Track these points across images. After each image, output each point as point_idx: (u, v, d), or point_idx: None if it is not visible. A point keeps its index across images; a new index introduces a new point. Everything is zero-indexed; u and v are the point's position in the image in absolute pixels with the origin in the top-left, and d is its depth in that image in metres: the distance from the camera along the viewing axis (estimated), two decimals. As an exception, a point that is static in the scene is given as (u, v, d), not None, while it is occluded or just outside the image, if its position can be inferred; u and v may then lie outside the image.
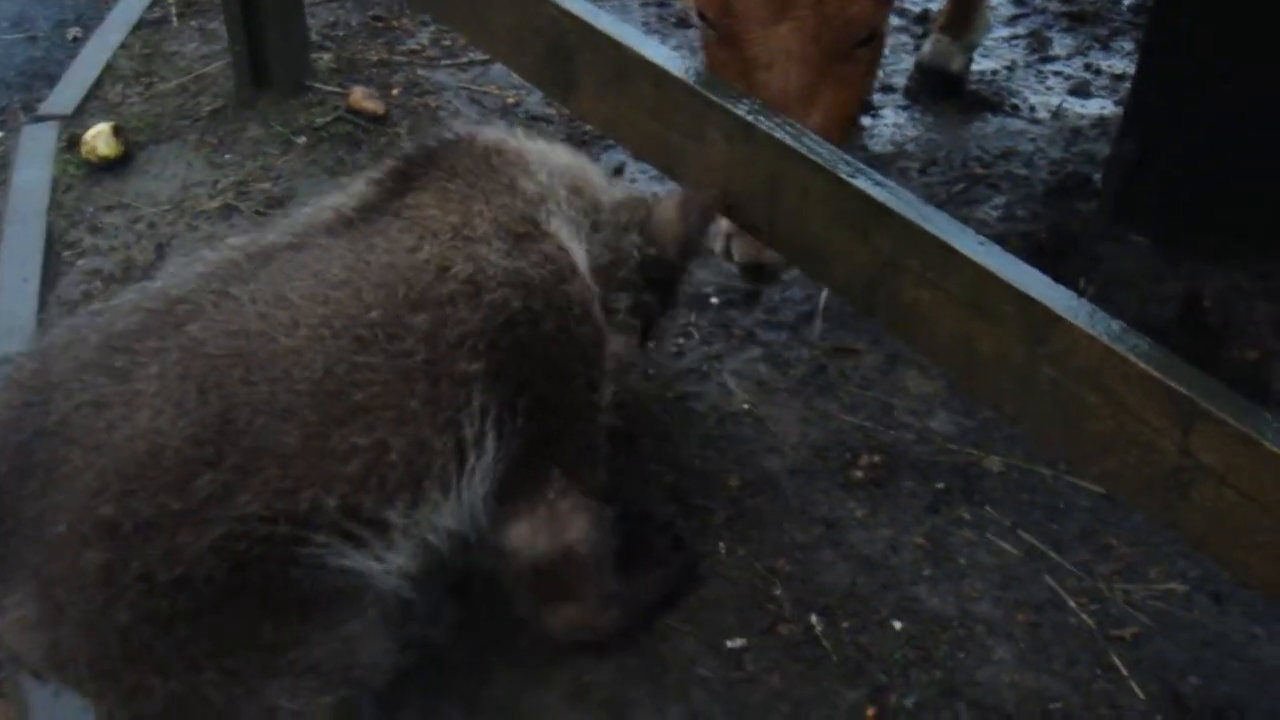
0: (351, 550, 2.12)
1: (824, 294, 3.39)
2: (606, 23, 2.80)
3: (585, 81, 2.90)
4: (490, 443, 2.26)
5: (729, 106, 2.52)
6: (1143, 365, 1.94)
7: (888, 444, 3.10)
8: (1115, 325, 2.01)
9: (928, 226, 2.23)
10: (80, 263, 3.72)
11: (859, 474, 3.02)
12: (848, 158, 2.38)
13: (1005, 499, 2.98)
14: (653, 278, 2.63)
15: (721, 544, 2.84)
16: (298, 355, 2.09)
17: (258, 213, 3.86)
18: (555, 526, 2.43)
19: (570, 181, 2.53)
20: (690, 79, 2.59)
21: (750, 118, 2.49)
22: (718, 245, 2.91)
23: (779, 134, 2.44)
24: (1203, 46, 3.30)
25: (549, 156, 2.57)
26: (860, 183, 2.32)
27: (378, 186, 2.41)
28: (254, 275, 2.17)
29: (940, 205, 3.64)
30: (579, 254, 2.45)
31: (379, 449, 2.11)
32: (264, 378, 2.06)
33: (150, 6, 5.03)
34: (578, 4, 2.86)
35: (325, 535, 2.07)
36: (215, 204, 3.91)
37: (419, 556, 2.22)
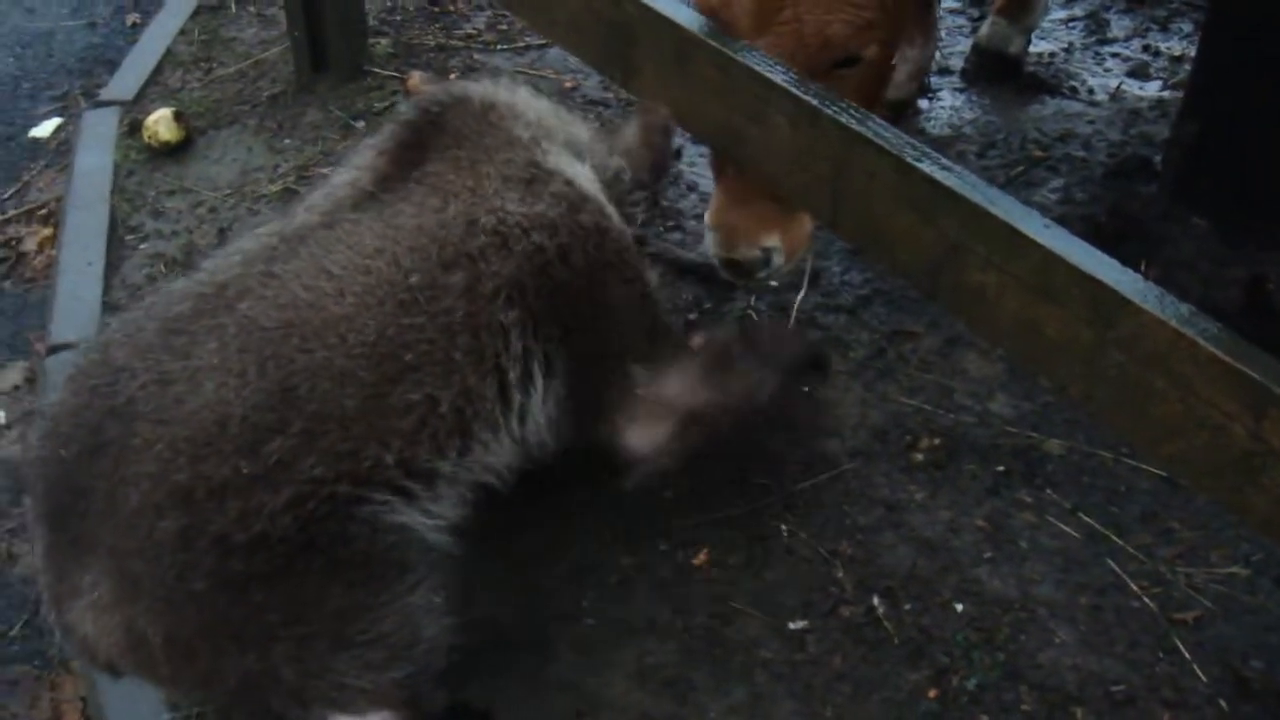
0: (404, 505, 2.21)
1: (808, 263, 3.43)
2: (668, 6, 2.81)
3: (646, 66, 2.92)
4: (538, 381, 2.39)
5: (793, 90, 2.53)
6: (1213, 350, 1.94)
7: (948, 427, 3.10)
8: (1185, 309, 2.00)
9: (993, 210, 2.23)
10: (143, 247, 3.78)
11: (919, 457, 3.02)
12: (914, 142, 2.38)
13: (1066, 482, 2.98)
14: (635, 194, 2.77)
15: (783, 526, 2.86)
16: (350, 320, 2.18)
17: (318, 197, 3.90)
18: (666, 408, 2.54)
19: (554, 120, 2.66)
20: (753, 62, 2.61)
21: (815, 101, 2.49)
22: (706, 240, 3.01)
23: (844, 118, 2.44)
24: (1264, 28, 3.26)
25: (532, 103, 2.68)
26: (926, 167, 2.32)
27: (390, 157, 2.50)
28: (293, 255, 2.26)
29: (999, 189, 3.67)
30: (582, 177, 2.55)
31: (430, 403, 2.21)
32: (320, 344, 2.15)
33: (209, -8, 5.08)
34: (636, -12, 2.88)
35: (382, 492, 2.16)
36: (276, 188, 3.95)
37: (464, 505, 2.32)
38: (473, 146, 2.47)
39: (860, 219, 2.51)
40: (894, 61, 3.16)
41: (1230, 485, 2.02)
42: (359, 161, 2.54)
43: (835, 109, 2.47)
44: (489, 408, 2.30)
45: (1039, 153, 4.06)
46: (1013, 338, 2.29)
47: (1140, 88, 4.45)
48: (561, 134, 2.62)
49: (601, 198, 2.55)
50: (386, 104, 4.29)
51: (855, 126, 2.44)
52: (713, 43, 2.68)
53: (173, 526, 2.01)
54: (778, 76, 2.56)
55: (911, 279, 2.49)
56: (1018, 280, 2.23)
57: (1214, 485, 2.06)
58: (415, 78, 4.35)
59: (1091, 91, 4.42)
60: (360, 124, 4.22)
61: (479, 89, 2.64)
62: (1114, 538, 2.84)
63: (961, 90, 4.45)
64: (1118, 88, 4.42)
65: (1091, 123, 4.22)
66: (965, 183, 2.29)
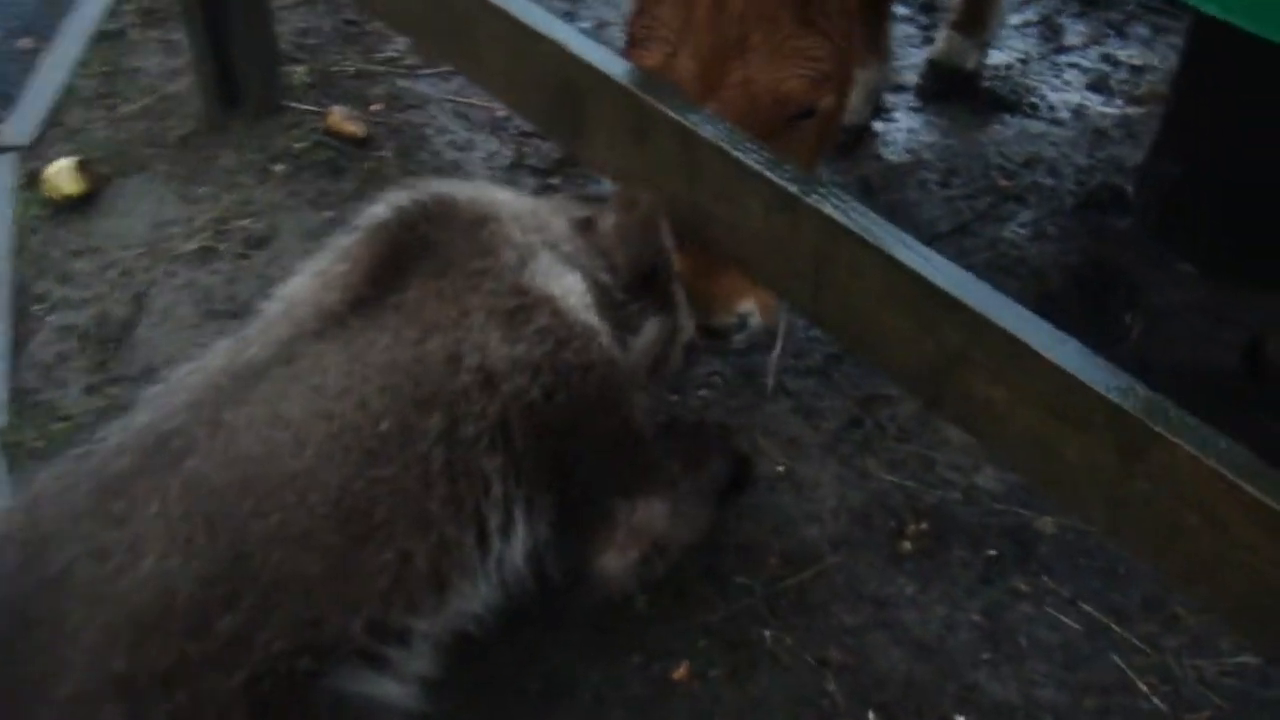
0: (373, 673, 2.01)
1: (782, 320, 3.18)
2: (621, 71, 2.55)
3: (598, 133, 2.66)
4: (519, 525, 2.18)
5: (767, 174, 2.29)
6: (1252, 490, 1.74)
7: (933, 506, 2.90)
8: (1222, 443, 1.81)
9: (1000, 320, 2.01)
10: (51, 318, 3.45)
11: (907, 545, 2.82)
12: (906, 237, 2.16)
13: (1062, 565, 2.80)
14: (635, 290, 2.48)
15: (767, 631, 2.64)
16: (310, 476, 1.94)
17: (239, 255, 3.60)
18: (639, 537, 2.35)
19: (537, 225, 2.37)
20: (723, 140, 2.36)
21: (793, 187, 2.26)
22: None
23: (826, 206, 2.21)
24: (1254, 50, 3.06)
25: (514, 206, 2.40)
26: (920, 266, 2.10)
27: (364, 272, 2.21)
28: (245, 397, 2.00)
29: (966, 225, 3.47)
30: (573, 295, 2.28)
31: (402, 560, 1.99)
32: (276, 506, 1.90)
33: (107, 17, 4.71)
34: (588, 45, 2.61)
35: (349, 662, 1.95)
36: (192, 245, 3.64)
37: (438, 655, 2.14)
38: (459, 272, 2.20)
39: (846, 317, 2.29)
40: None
41: (1264, 623, 1.84)
42: (325, 269, 2.26)
43: (816, 195, 2.24)
44: (468, 556, 2.09)
45: (1004, 181, 3.87)
46: (1027, 458, 2.09)
47: (1103, 103, 4.26)
48: (548, 241, 2.35)
49: (592, 317, 2.29)
50: (307, 144, 3.98)
51: (838, 217, 2.21)
52: (675, 116, 2.43)
53: (114, 717, 1.78)
54: (749, 158, 2.32)
55: (907, 385, 2.28)
56: (1032, 398, 2.02)
57: (1246, 622, 1.88)
58: (336, 114, 4.09)
59: (1053, 108, 4.23)
60: (279, 168, 3.92)
61: (466, 197, 2.36)
62: (1116, 628, 2.67)
63: (917, 110, 4.24)
64: (1079, 104, 4.23)
65: (1055, 144, 4.03)
66: (966, 286, 2.07)
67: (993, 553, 2.82)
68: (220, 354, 2.11)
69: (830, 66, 2.67)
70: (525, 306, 2.19)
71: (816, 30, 2.62)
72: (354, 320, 2.11)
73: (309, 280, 2.25)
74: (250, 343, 2.11)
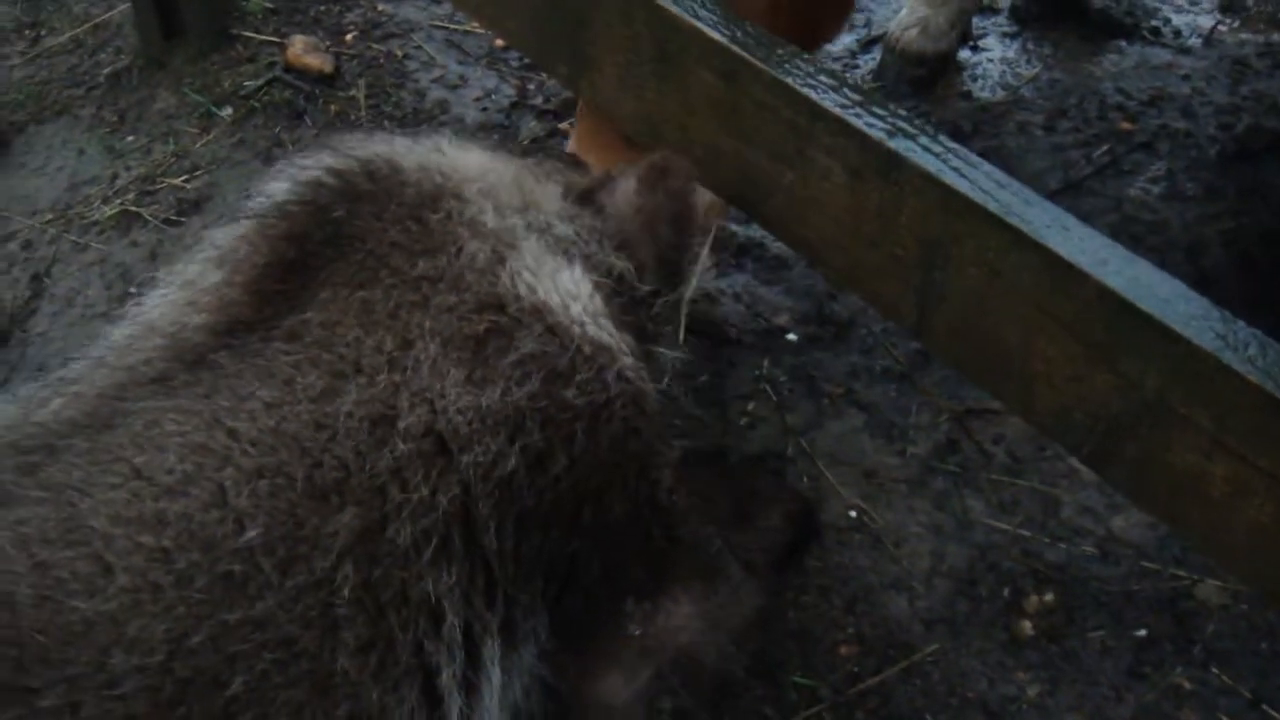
0: None
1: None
2: (638, -26, 1.80)
3: (606, 62, 1.91)
4: (492, 669, 1.42)
5: (854, 122, 1.54)
6: None
7: (1059, 566, 2.16)
8: None
9: (1233, 362, 1.27)
10: (-70, 304, 2.76)
11: (1026, 624, 2.08)
12: (1080, 226, 1.41)
13: (1235, 651, 2.06)
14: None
15: (838, 754, 1.92)
16: (115, 629, 1.19)
17: (166, 221, 2.88)
18: (654, 652, 1.62)
19: (520, 201, 1.64)
20: (785, 75, 1.61)
21: (893, 143, 1.51)
22: None
23: (948, 174, 1.46)
24: None
25: (486, 174, 1.65)
26: (1096, 269, 1.36)
27: (246, 279, 1.48)
28: (23, 492, 1.27)
29: (1080, 181, 2.70)
30: (573, 302, 1.54)
31: None
32: (55, 678, 1.16)
33: (40, -71, 3.97)
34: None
35: None
36: (111, 211, 2.92)
37: None
38: (396, 278, 1.46)
39: (969, 333, 1.55)
40: None
41: None
42: (194, 278, 1.53)
43: (928, 150, 1.49)
44: None
45: (1126, 124, 3.09)
46: (1259, 564, 1.35)
47: (1240, 25, 3.46)
48: (534, 224, 1.60)
49: (605, 331, 1.54)
50: (261, 82, 3.23)
51: (964, 189, 1.46)
52: (716, 37, 1.68)
53: None
54: (828, 98, 1.57)
55: (1058, 434, 1.53)
56: (1274, 480, 1.27)
57: None
58: (298, 44, 3.34)
59: (1179, 34, 3.43)
60: (225, 111, 3.18)
61: (414, 162, 1.61)
62: (1320, 745, 1.93)
63: (1013, 36, 3.45)
64: (1213, 29, 3.42)
65: (1187, 78, 3.24)
66: (1172, 304, 1.32)
67: (1142, 633, 2.08)
68: (3, 409, 1.38)
69: None
70: (501, 328, 1.45)
71: None
72: (224, 359, 1.38)
73: (174, 295, 1.51)
74: (57, 393, 1.37)
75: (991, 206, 1.44)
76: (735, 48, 1.66)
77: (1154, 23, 3.46)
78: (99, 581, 1.19)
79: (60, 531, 1.22)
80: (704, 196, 2.01)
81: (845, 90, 1.59)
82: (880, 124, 1.54)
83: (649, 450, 1.54)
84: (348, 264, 1.47)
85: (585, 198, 1.71)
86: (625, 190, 1.71)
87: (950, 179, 1.47)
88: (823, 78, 1.61)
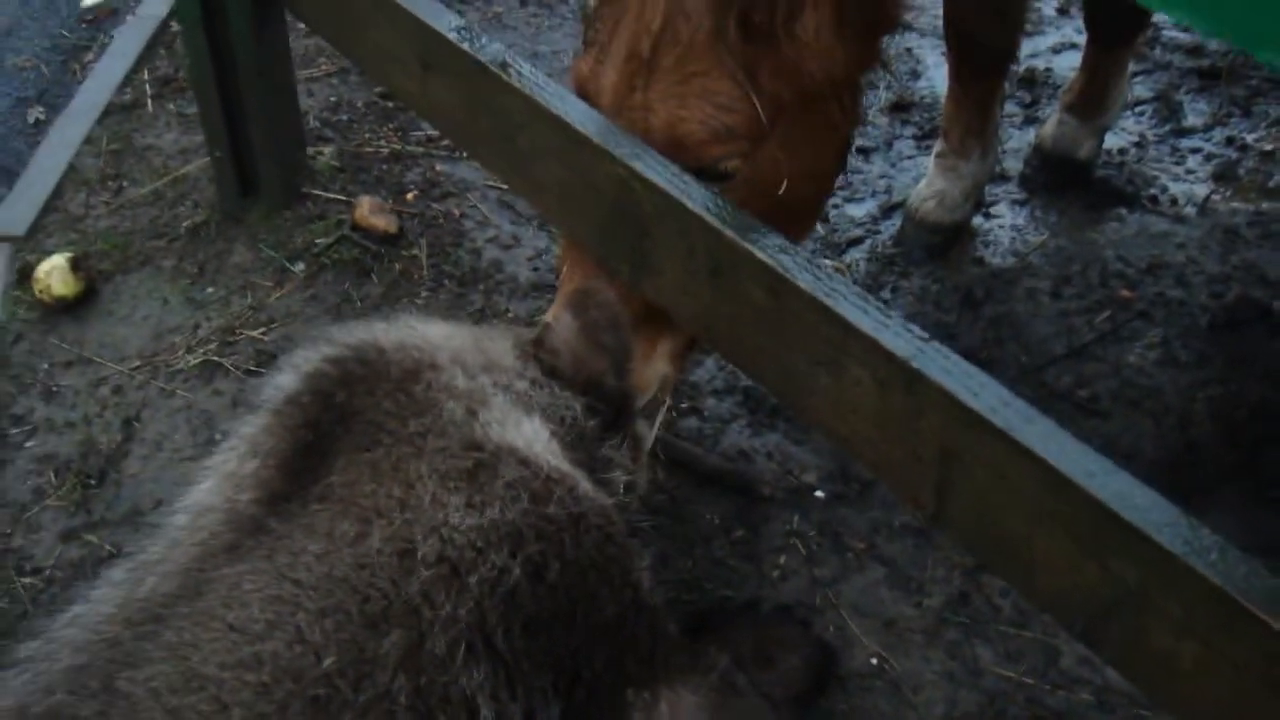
0: None
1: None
2: (699, 197, 2.08)
3: (667, 267, 2.19)
4: None
5: (883, 341, 1.81)
6: None
7: (1060, 713, 2.39)
8: None
9: (1197, 564, 1.52)
10: (30, 445, 3.01)
11: (1033, 770, 2.31)
12: (1066, 436, 1.66)
13: (1225, 796, 2.26)
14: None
15: None
16: None
17: (247, 371, 3.15)
18: None
19: (484, 364, 1.95)
20: (825, 294, 1.88)
21: (915, 362, 1.77)
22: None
23: (962, 393, 1.72)
24: None
25: (453, 345, 1.97)
26: (1086, 482, 1.61)
27: (278, 462, 1.78)
28: (144, 653, 1.54)
29: (1084, 346, 2.95)
30: (537, 442, 1.85)
31: None
32: None
33: (122, 86, 4.29)
34: (658, 168, 2.14)
35: None
36: (195, 360, 3.20)
37: None
38: (394, 438, 1.76)
39: (979, 526, 1.80)
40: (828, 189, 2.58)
41: None
42: (233, 467, 1.82)
43: (945, 371, 1.75)
44: None
45: (1126, 291, 3.35)
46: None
47: (1232, 195, 3.74)
48: (499, 383, 1.91)
49: (563, 464, 1.85)
50: (330, 240, 3.53)
51: (974, 405, 1.71)
52: (761, 256, 1.96)
53: None
54: (863, 319, 1.84)
55: (1055, 612, 1.77)
56: (1236, 664, 1.52)
57: None
58: (365, 205, 3.63)
59: (1175, 202, 3.71)
60: (299, 267, 3.47)
61: (393, 343, 1.93)
62: None
63: (1022, 203, 3.73)
64: (1206, 198, 3.71)
65: (1182, 246, 3.51)
66: (1148, 512, 1.57)
67: (1140, 782, 2.30)
68: (110, 592, 1.65)
69: (739, 123, 2.21)
70: (485, 462, 1.75)
71: (730, 75, 2.17)
72: (275, 524, 1.66)
73: (216, 483, 1.80)
74: (149, 570, 1.65)
75: (997, 422, 1.69)
76: (781, 270, 1.93)
77: (1152, 190, 3.74)
78: (219, 717, 1.46)
79: (182, 682, 1.49)
80: (660, 369, 2.34)
81: (876, 311, 1.86)
82: (905, 345, 1.80)
83: (625, 554, 1.83)
84: (354, 435, 1.76)
85: (536, 343, 2.03)
86: (564, 321, 2.04)
87: (963, 397, 1.73)
88: (857, 299, 1.88)
